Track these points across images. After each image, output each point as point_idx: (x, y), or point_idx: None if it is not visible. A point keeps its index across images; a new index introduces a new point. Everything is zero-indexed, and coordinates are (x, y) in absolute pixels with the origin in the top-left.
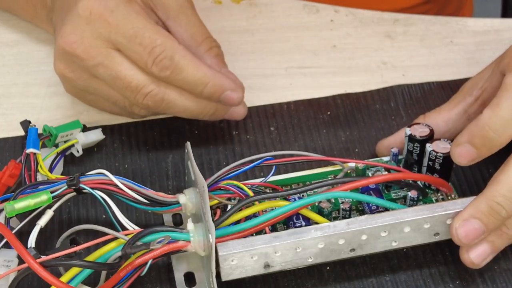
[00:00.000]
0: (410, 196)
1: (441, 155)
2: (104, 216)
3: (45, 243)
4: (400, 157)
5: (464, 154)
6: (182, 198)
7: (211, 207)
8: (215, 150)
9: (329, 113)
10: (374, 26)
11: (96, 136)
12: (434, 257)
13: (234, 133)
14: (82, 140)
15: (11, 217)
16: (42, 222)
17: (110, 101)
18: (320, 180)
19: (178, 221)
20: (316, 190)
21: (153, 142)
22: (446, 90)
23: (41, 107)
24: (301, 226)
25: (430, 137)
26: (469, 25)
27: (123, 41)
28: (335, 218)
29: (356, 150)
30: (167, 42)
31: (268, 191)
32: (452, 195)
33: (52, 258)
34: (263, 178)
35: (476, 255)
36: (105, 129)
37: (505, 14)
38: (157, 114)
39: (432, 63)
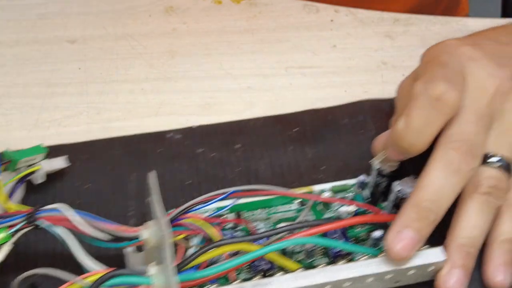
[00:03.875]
0: (374, 237)
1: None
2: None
3: None
4: (367, 180)
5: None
6: (144, 233)
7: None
8: (179, 168)
9: (296, 129)
10: (374, 26)
11: (60, 163)
12: None
13: (199, 151)
14: (45, 167)
15: None
16: (0, 256)
17: None
18: (289, 223)
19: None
20: (284, 233)
21: (116, 161)
22: None
23: (41, 107)
24: (263, 269)
25: (399, 172)
26: (469, 25)
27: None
28: (299, 259)
29: (324, 167)
30: None
31: (230, 226)
32: None
33: None
34: (223, 208)
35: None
36: (67, 147)
37: (504, 14)
38: None
39: None
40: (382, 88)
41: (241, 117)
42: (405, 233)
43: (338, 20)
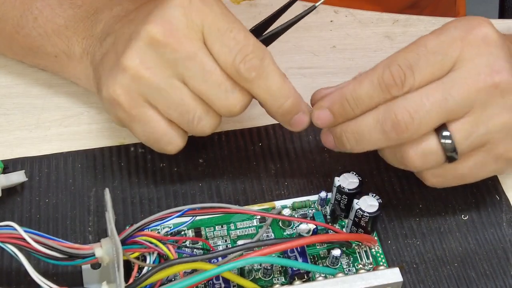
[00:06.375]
0: (333, 255)
1: (367, 215)
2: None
3: None
4: (327, 196)
5: (322, 118)
6: (98, 251)
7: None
8: (140, 183)
9: (260, 144)
10: (373, 26)
11: (18, 178)
12: None
13: (161, 165)
14: (2, 182)
15: None
16: None
17: (177, 111)
18: (246, 241)
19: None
20: (240, 252)
21: (76, 175)
22: None
23: (42, 107)
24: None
25: (359, 190)
26: None
27: (216, 34)
28: (257, 277)
29: (286, 183)
30: (259, 45)
31: (188, 244)
32: (376, 247)
33: None
34: (181, 224)
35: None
36: (27, 161)
37: (502, 15)
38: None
39: None
40: None
41: (241, 116)
42: (324, 112)
43: (337, 21)
